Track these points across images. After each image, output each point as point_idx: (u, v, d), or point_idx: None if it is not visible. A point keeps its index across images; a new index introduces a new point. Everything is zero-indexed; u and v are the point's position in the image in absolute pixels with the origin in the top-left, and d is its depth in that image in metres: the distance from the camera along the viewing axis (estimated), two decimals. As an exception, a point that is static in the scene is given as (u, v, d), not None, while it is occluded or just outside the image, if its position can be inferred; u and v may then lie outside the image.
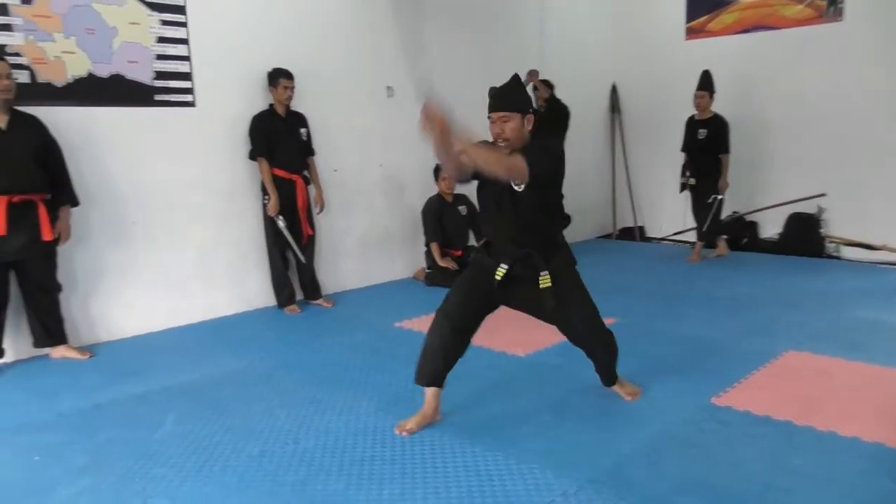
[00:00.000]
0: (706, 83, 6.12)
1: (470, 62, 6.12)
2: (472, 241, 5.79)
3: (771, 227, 6.73)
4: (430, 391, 2.85)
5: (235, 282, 4.77)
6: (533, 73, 6.28)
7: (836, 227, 6.32)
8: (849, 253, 6.23)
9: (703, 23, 7.09)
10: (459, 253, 5.66)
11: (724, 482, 2.34)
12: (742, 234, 6.84)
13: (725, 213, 6.54)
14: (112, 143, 4.12)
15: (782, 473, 2.40)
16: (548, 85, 6.27)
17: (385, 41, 5.49)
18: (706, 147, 6.12)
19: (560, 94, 6.42)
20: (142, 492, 2.36)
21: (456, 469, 2.48)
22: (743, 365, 3.48)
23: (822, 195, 6.33)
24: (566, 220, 2.90)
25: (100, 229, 4.11)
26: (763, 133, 6.67)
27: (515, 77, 2.80)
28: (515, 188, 2.67)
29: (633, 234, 7.75)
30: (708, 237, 6.35)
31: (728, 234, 6.64)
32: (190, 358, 3.83)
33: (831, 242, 6.32)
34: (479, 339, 3.94)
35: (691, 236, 6.68)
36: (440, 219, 5.56)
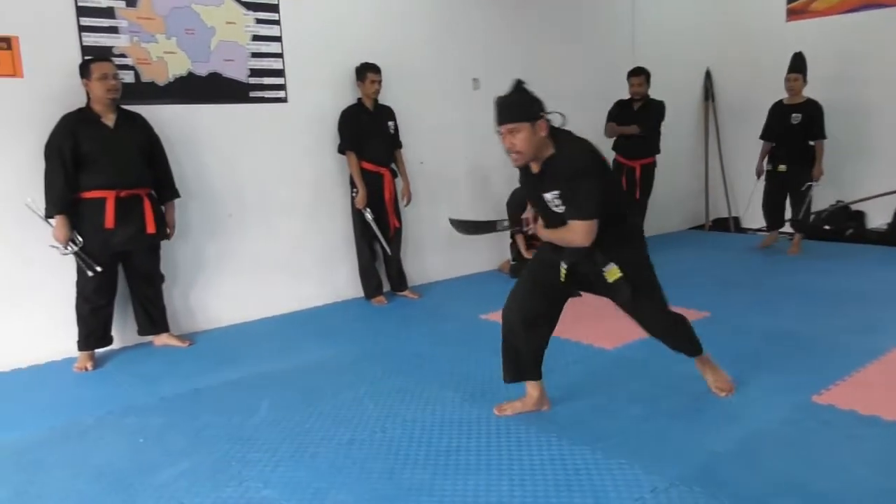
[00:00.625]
0: (799, 65, 5.80)
1: (559, 52, 6.04)
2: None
3: (879, 216, 6.32)
4: (527, 383, 2.85)
5: (324, 273, 4.90)
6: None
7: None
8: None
9: (805, 3, 6.71)
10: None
11: (826, 485, 2.22)
12: (847, 224, 6.45)
13: (830, 203, 6.20)
14: (210, 139, 4.30)
15: (893, 478, 2.25)
16: (647, 79, 5.91)
17: (471, 33, 5.49)
18: (800, 133, 5.82)
19: (652, 80, 6.23)
20: (238, 475, 2.46)
21: (542, 462, 2.45)
22: (846, 362, 3.28)
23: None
24: (623, 216, 2.69)
25: (198, 222, 4.30)
26: (870, 117, 6.27)
27: (517, 83, 2.59)
28: (557, 211, 2.58)
29: (728, 224, 7.45)
30: (806, 227, 6.06)
31: (831, 224, 6.29)
32: (282, 346, 3.96)
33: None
34: (565, 331, 3.92)
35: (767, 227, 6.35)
36: (525, 210, 5.51)
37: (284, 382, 3.36)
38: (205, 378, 3.47)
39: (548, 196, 2.56)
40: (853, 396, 2.89)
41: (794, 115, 5.83)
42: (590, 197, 2.47)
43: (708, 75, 7.51)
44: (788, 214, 6.12)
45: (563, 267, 2.68)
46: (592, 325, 4.05)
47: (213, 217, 4.36)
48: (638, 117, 5.83)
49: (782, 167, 5.94)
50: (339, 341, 4.00)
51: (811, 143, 5.82)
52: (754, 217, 7.28)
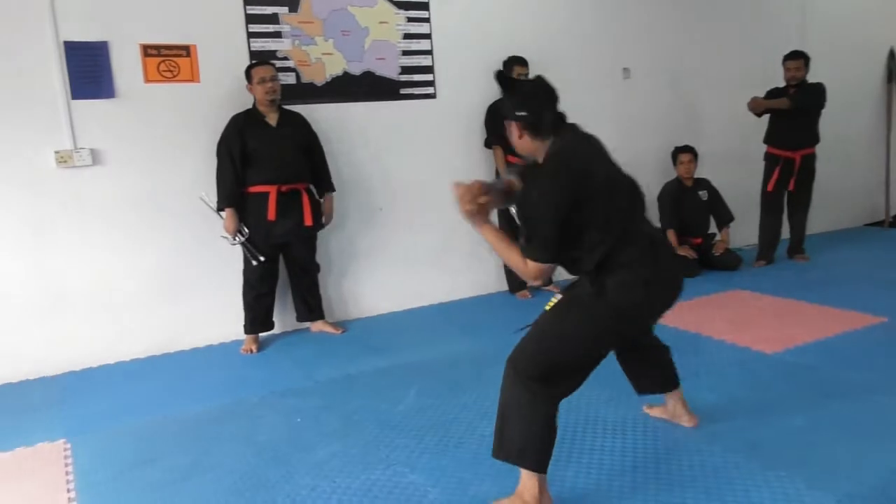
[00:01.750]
0: None
1: (718, 34, 5.71)
2: (714, 229, 5.42)
3: None
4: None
5: (471, 266, 4.96)
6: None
7: None
8: None
9: None
10: (699, 241, 5.33)
11: None
12: None
13: None
14: (363, 135, 4.49)
15: None
16: (806, 63, 5.31)
17: (620, 21, 5.32)
18: None
19: (824, 65, 5.71)
20: (386, 458, 2.56)
21: (692, 468, 2.34)
22: None
23: None
24: (608, 236, 2.08)
25: (352, 215, 4.50)
26: None
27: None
28: None
29: (911, 220, 6.72)
30: None
31: None
32: (429, 337, 4.07)
33: None
34: (721, 333, 3.72)
35: None
36: (678, 204, 5.27)
37: (431, 372, 3.45)
38: (356, 364, 3.63)
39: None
40: None
41: None
42: (535, 233, 2.04)
43: (892, 56, 6.79)
44: None
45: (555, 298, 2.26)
46: (751, 328, 3.81)
47: (366, 210, 4.55)
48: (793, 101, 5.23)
49: None
50: (484, 334, 4.04)
51: None
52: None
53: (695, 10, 5.66)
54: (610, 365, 3.35)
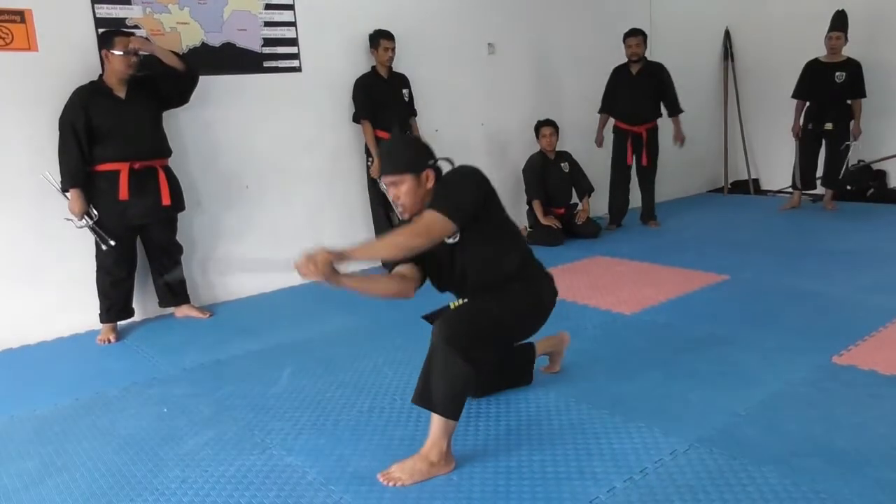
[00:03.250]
0: (841, 23, 5.70)
1: (574, 14, 5.92)
2: (575, 199, 5.68)
3: (901, 176, 6.22)
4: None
5: (342, 242, 4.84)
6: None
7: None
8: None
9: (827, -44, 6.51)
10: (562, 211, 5.57)
11: (847, 444, 2.21)
12: (868, 184, 6.36)
13: (851, 163, 6.13)
14: (225, 109, 4.28)
15: (916, 439, 2.24)
16: (644, 40, 5.57)
17: (483, -4, 5.41)
18: (842, 91, 5.76)
19: (669, 41, 6.10)
20: (261, 443, 2.49)
21: (562, 427, 2.46)
22: (867, 323, 3.26)
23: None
24: (519, 245, 2.45)
25: (215, 194, 4.31)
26: (891, 76, 6.11)
27: (396, 133, 2.43)
28: (450, 242, 2.33)
29: (747, 187, 7.36)
30: (841, 185, 6.08)
31: (854, 184, 6.22)
32: (301, 317, 3.99)
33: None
34: (584, 297, 3.92)
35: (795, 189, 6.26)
36: (542, 176, 5.47)
37: (304, 352, 3.39)
38: (226, 349, 3.51)
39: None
40: (874, 356, 2.87)
41: (837, 73, 5.76)
42: (455, 192, 2.25)
43: (727, 35, 7.35)
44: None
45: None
46: (611, 292, 4.04)
47: (230, 188, 4.37)
48: (640, 83, 5.58)
49: (829, 126, 5.86)
50: (358, 311, 4.02)
51: (849, 101, 5.79)
52: (773, 179, 7.19)
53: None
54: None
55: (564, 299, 3.90)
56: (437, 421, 2.19)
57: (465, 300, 2.41)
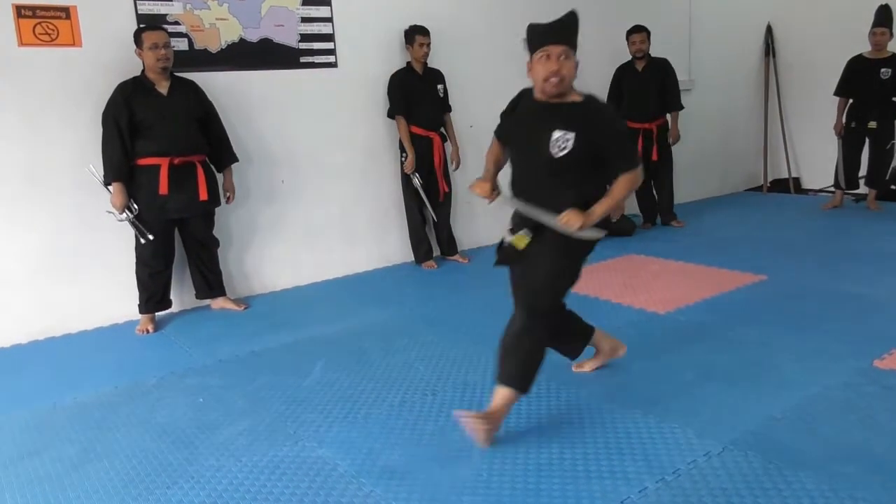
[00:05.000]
0: (887, 18, 5.55)
1: (612, 9, 5.85)
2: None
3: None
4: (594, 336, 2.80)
5: (375, 238, 4.94)
6: None
7: None
8: None
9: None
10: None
11: (888, 450, 2.16)
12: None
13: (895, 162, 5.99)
14: (262, 104, 4.34)
15: (959, 446, 2.18)
16: (648, 36, 5.46)
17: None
18: (887, 89, 5.62)
19: (709, 36, 5.98)
20: (293, 434, 2.53)
21: (593, 426, 2.45)
22: (912, 327, 3.17)
23: None
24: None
25: (252, 188, 4.37)
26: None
27: (573, 13, 2.41)
28: (553, 152, 2.32)
29: (787, 185, 7.20)
30: (884, 186, 5.95)
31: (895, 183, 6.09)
32: (334, 310, 4.03)
33: None
34: (617, 296, 3.89)
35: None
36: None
37: (337, 345, 3.42)
38: (261, 341, 3.56)
39: (557, 135, 2.30)
40: (918, 362, 2.79)
41: (883, 70, 5.62)
42: (634, 149, 2.56)
43: (769, 30, 7.19)
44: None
45: (524, 234, 2.41)
46: (645, 290, 4.00)
47: (267, 182, 4.42)
48: (646, 79, 5.46)
49: (873, 124, 5.72)
50: (390, 305, 4.05)
51: (894, 99, 5.65)
52: (815, 177, 7.02)
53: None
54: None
55: (598, 297, 3.88)
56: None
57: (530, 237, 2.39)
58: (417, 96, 4.67)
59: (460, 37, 5.10)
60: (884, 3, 5.57)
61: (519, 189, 2.47)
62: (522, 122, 2.52)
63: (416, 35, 4.62)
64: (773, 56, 7.20)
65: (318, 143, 4.59)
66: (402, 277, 4.74)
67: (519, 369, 2.38)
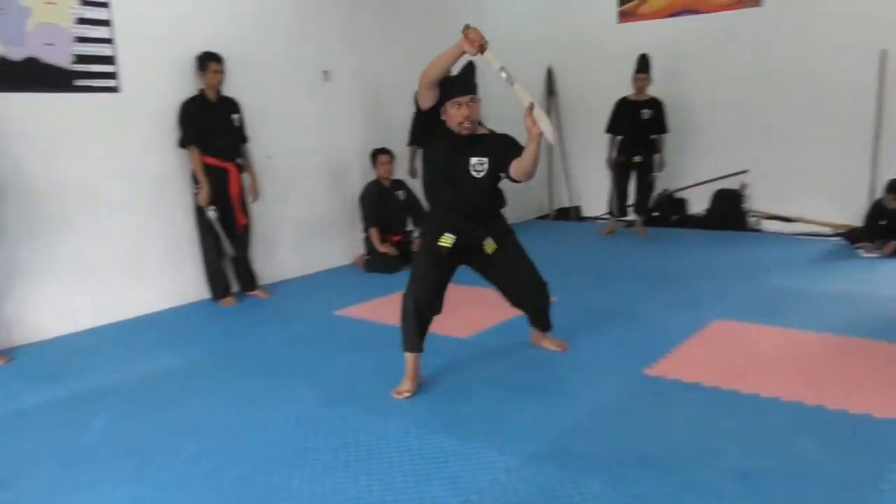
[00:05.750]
0: (646, 66, 6.31)
1: (410, 47, 6.03)
2: (411, 227, 5.75)
3: (699, 203, 6.97)
4: (411, 356, 3.00)
5: (168, 275, 4.61)
6: None
7: (757, 201, 6.66)
8: (769, 226, 6.55)
9: (634, 6, 7.21)
10: (398, 238, 5.61)
11: (659, 450, 2.41)
12: (672, 211, 7.04)
13: (656, 192, 6.81)
14: (26, 132, 3.89)
15: (712, 437, 2.49)
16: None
17: (320, 24, 5.38)
18: (650, 127, 6.35)
19: (497, 79, 6.34)
20: (72, 500, 2.25)
21: (401, 454, 2.46)
22: (673, 336, 3.59)
23: (745, 171, 6.63)
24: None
25: (14, 226, 3.86)
26: (690, 113, 6.86)
27: (471, 64, 2.92)
28: (475, 175, 2.97)
29: (569, 213, 7.87)
30: (648, 213, 6.71)
31: (659, 211, 6.90)
32: (120, 357, 3.68)
33: (753, 216, 6.63)
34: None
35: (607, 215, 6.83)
36: (379, 204, 5.49)
37: (123, 395, 3.13)
38: (28, 397, 3.15)
39: (474, 160, 2.96)
40: (678, 367, 3.17)
41: (643, 110, 6.34)
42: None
43: (549, 73, 7.85)
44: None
45: (449, 237, 2.98)
46: (446, 316, 4.10)
47: (33, 219, 3.94)
48: None
49: (637, 158, 6.43)
50: (186, 347, 3.79)
51: (652, 136, 6.40)
52: (592, 206, 7.74)
53: (386, 20, 5.94)
54: (319, 366, 3.38)
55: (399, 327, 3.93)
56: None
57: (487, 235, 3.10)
58: (211, 125, 4.48)
59: (257, 65, 4.98)
60: (643, 52, 6.33)
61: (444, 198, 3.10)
62: (450, 151, 3.01)
63: (209, 62, 4.44)
64: (555, 95, 7.87)
65: (95, 174, 4.19)
66: (198, 316, 4.46)
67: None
